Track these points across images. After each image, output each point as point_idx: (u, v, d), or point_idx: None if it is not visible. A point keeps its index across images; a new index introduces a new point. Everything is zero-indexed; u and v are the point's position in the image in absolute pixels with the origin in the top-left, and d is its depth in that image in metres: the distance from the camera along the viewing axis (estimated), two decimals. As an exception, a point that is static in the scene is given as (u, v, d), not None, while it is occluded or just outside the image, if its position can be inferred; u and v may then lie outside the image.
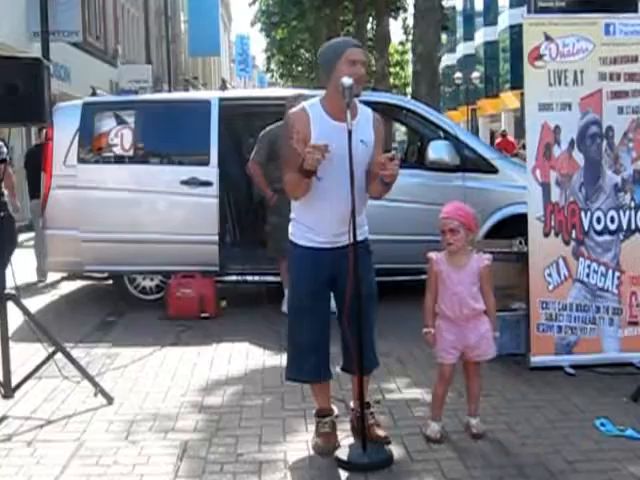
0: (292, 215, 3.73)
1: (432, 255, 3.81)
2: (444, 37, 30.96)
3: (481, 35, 46.71)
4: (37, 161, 7.69)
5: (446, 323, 3.77)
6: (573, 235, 4.91)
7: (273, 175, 6.58)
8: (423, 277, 6.34)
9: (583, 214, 4.91)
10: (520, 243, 5.41)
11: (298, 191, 3.54)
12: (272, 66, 39.94)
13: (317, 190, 3.52)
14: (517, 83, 32.14)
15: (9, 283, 4.45)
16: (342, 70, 3.47)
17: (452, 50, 52.08)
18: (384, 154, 3.49)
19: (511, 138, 22.33)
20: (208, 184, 6.90)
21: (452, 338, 3.75)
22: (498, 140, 20.65)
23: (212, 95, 7.49)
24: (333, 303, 3.76)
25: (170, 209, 7.01)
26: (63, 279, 7.85)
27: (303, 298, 3.66)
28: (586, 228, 4.91)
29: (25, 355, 4.81)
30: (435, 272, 3.78)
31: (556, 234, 4.89)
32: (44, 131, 7.83)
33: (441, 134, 7.26)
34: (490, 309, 3.77)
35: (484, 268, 3.74)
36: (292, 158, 3.47)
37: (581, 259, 4.90)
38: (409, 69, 32.43)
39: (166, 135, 7.19)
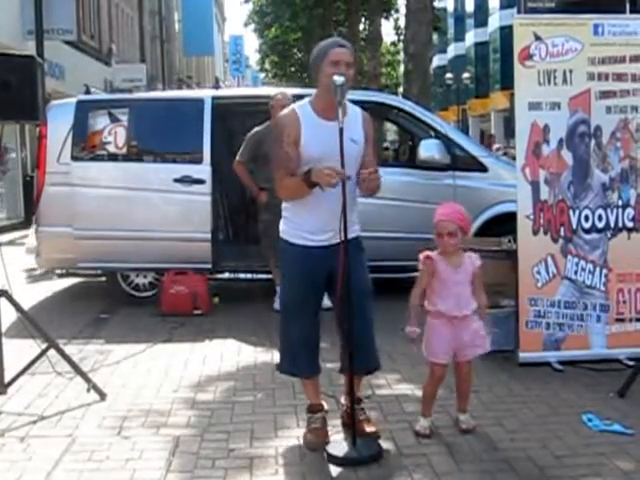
0: (284, 213, 3.75)
1: (432, 254, 3.80)
2: (435, 38, 31.00)
3: (472, 36, 46.81)
4: None
5: (441, 322, 3.77)
6: (562, 233, 4.95)
7: (261, 174, 6.64)
8: (413, 274, 6.38)
9: (572, 212, 4.96)
10: (509, 241, 5.45)
11: (294, 196, 3.57)
12: (266, 66, 39.97)
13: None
14: (507, 83, 32.20)
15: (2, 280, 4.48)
16: (326, 71, 3.50)
17: (443, 51, 52.16)
18: (365, 170, 3.49)
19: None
20: (201, 182, 6.94)
21: (447, 337, 3.76)
22: None
23: (205, 94, 7.51)
24: (326, 300, 3.80)
25: (163, 207, 7.02)
26: (56, 276, 7.85)
27: (296, 296, 3.69)
28: (574, 226, 4.96)
29: (18, 351, 4.82)
30: (432, 271, 3.77)
31: (545, 232, 4.94)
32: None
33: (432, 133, 7.31)
34: (484, 306, 3.82)
35: (478, 269, 3.78)
36: (284, 161, 3.53)
37: (569, 257, 4.95)
38: (401, 69, 32.50)
39: (159, 133, 7.21)
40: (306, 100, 3.69)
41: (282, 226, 3.75)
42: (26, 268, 8.78)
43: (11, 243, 12.11)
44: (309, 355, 3.76)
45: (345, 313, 3.52)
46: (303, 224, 3.65)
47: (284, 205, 3.74)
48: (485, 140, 25.11)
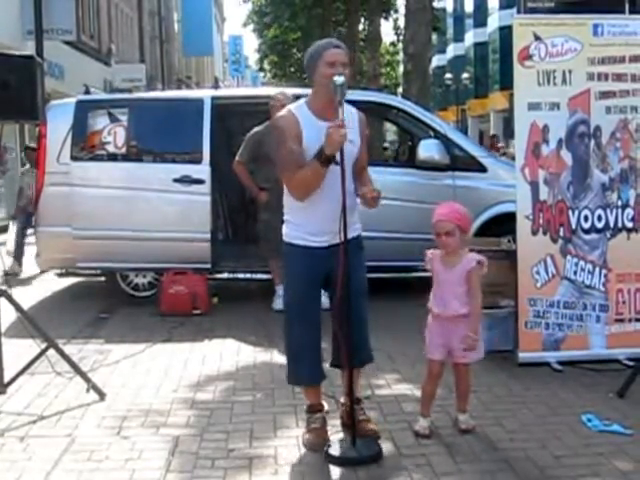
0: (285, 216, 3.75)
1: (428, 252, 3.84)
2: (434, 38, 31.01)
3: (471, 36, 46.81)
4: None
5: (435, 321, 3.80)
6: (561, 233, 4.96)
7: (261, 174, 6.64)
8: (413, 274, 6.40)
9: (571, 212, 4.96)
10: (509, 241, 5.45)
11: (313, 186, 3.50)
12: (265, 66, 39.97)
13: None
14: (506, 84, 32.21)
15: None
16: (322, 72, 3.49)
17: (442, 51, 52.17)
18: (369, 190, 3.52)
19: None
20: (200, 182, 6.94)
21: (439, 336, 3.78)
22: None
23: (205, 94, 7.51)
24: (324, 299, 3.81)
25: (163, 207, 7.02)
26: (55, 276, 7.84)
27: (302, 298, 3.67)
28: (574, 226, 4.96)
29: (18, 351, 4.82)
30: (430, 269, 3.84)
31: (544, 232, 4.94)
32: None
33: (431, 133, 7.31)
34: (473, 311, 3.73)
35: (471, 270, 3.74)
36: (291, 159, 3.50)
37: (569, 257, 4.96)
38: (400, 69, 32.52)
39: (159, 133, 7.21)
40: (302, 101, 3.68)
41: (284, 229, 3.75)
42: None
43: (10, 243, 12.09)
44: (312, 363, 3.75)
45: (345, 313, 3.53)
46: (304, 226, 3.65)
47: (286, 208, 3.73)
48: (487, 140, 25.02)
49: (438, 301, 3.78)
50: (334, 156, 3.41)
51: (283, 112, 3.68)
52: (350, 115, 3.62)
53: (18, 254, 9.32)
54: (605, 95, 4.98)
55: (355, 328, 3.60)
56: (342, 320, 3.56)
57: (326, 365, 3.88)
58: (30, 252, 9.03)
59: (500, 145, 19.80)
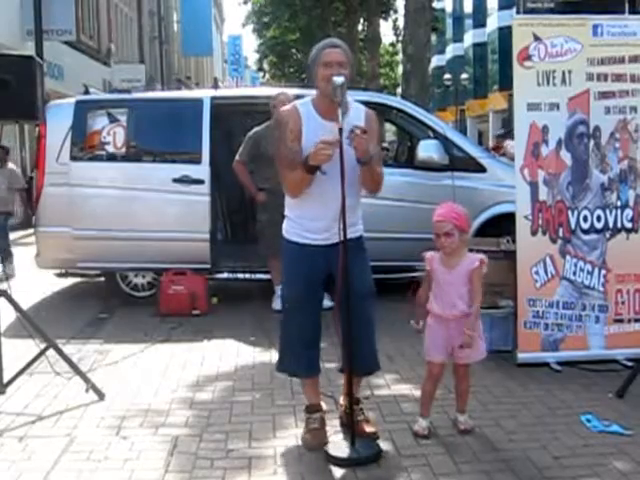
0: (286, 212, 3.76)
1: (427, 254, 3.83)
2: (434, 38, 31.03)
3: (470, 37, 46.80)
4: None
5: (436, 322, 3.79)
6: (560, 234, 4.96)
7: (260, 174, 6.65)
8: (413, 274, 6.38)
9: (570, 213, 4.96)
10: (508, 241, 5.45)
11: (300, 188, 3.55)
12: (264, 66, 40.02)
13: (311, 187, 3.54)
14: (505, 84, 32.23)
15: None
16: (319, 73, 3.51)
17: (442, 51, 52.17)
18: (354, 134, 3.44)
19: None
20: (200, 182, 6.94)
21: (441, 337, 3.77)
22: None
23: (204, 94, 7.52)
24: (327, 300, 3.81)
25: (162, 207, 7.03)
26: (55, 276, 7.84)
27: (298, 294, 3.68)
28: (573, 227, 4.96)
29: (17, 351, 4.82)
30: (429, 271, 3.82)
31: (543, 232, 4.94)
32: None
33: (430, 134, 7.32)
34: (473, 310, 3.73)
35: (474, 270, 3.74)
36: (287, 156, 3.52)
37: (568, 257, 4.96)
38: (399, 70, 32.56)
39: (158, 133, 7.21)
40: (308, 99, 3.69)
41: (284, 225, 3.76)
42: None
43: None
44: (310, 355, 3.76)
45: (344, 313, 3.53)
46: (303, 222, 3.66)
47: (287, 204, 3.74)
48: (493, 140, 24.96)
49: (439, 302, 3.78)
50: (319, 166, 3.42)
51: (288, 107, 3.72)
52: (357, 113, 3.62)
53: (6, 256, 9.32)
54: (604, 95, 4.98)
55: (360, 333, 3.59)
56: (342, 321, 3.56)
57: (326, 364, 3.87)
58: (17, 253, 9.08)
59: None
